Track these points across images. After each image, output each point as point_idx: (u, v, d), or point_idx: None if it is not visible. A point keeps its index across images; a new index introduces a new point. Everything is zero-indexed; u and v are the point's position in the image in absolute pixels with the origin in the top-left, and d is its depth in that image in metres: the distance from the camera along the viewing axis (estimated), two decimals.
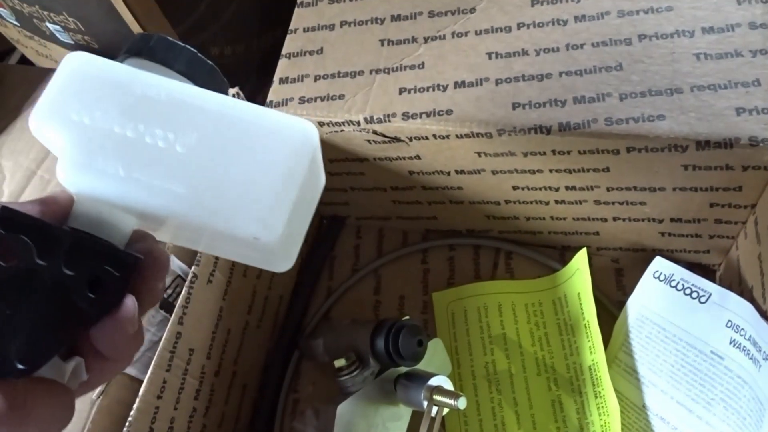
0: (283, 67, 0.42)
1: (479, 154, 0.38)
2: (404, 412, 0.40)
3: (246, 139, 0.24)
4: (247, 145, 0.24)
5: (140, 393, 0.33)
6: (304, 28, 0.42)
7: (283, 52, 0.42)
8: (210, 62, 0.26)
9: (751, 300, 0.34)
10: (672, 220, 0.40)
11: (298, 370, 0.47)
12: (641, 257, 0.44)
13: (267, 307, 0.45)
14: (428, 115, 0.37)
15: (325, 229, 0.51)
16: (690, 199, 0.37)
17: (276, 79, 0.41)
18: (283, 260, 0.26)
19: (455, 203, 0.45)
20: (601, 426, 0.38)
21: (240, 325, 0.42)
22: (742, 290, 0.37)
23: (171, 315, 0.39)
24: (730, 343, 0.34)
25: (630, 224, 0.41)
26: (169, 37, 0.26)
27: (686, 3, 0.36)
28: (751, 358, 0.32)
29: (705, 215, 0.38)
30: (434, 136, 0.38)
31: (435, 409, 0.37)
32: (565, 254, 0.46)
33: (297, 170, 0.24)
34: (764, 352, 0.31)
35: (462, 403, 0.35)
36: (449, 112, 0.37)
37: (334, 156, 0.43)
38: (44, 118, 0.23)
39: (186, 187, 0.23)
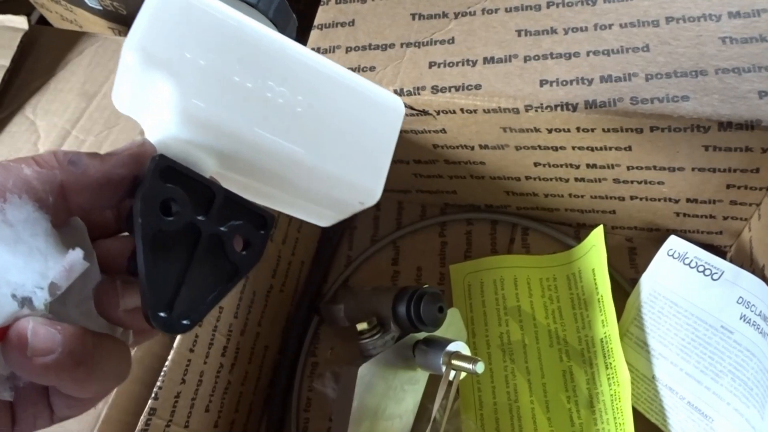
0: (315, 38, 0.42)
1: (504, 129, 0.40)
2: (421, 376, 0.41)
3: (353, 106, 0.24)
4: (354, 112, 0.24)
5: (174, 345, 0.34)
6: (336, 0, 0.43)
7: (315, 23, 0.43)
8: (293, 14, 0.26)
9: (763, 278, 0.35)
10: (688, 200, 0.41)
11: (317, 334, 0.48)
12: (655, 237, 0.45)
13: (290, 272, 0.47)
14: (457, 89, 0.38)
15: None
16: (707, 180, 0.38)
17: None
18: (334, 219, 0.26)
19: (476, 178, 0.46)
20: (611, 395, 0.40)
21: (265, 288, 0.43)
22: (754, 269, 0.38)
23: None
24: (741, 318, 0.35)
25: (647, 203, 0.43)
26: None
27: None
28: (760, 332, 0.34)
29: (721, 196, 0.40)
30: (462, 110, 0.39)
31: (453, 373, 0.38)
32: (580, 232, 0.47)
33: (393, 140, 0.25)
34: None
35: (480, 367, 0.37)
36: (478, 86, 0.38)
37: None
38: (153, 49, 0.20)
39: (302, 147, 0.22)
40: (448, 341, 0.39)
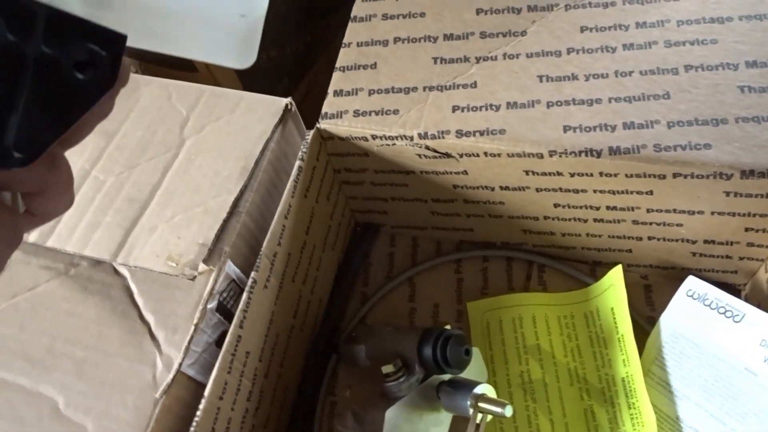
0: (337, 80, 0.43)
1: (527, 172, 0.40)
2: (445, 418, 0.41)
3: None
4: None
5: (206, 394, 0.34)
6: (357, 43, 0.44)
7: (337, 65, 0.43)
8: None
9: None
10: (705, 241, 0.42)
11: (335, 373, 0.48)
12: (670, 275, 0.46)
13: (309, 311, 0.47)
14: (482, 133, 0.39)
15: (360, 236, 0.52)
16: (726, 223, 0.39)
17: (330, 91, 0.42)
18: (246, 53, 0.23)
19: (494, 217, 0.46)
20: None
21: (287, 328, 0.43)
22: None
23: (225, 318, 0.40)
24: (765, 360, 0.36)
25: (664, 243, 0.43)
26: None
27: (730, 37, 0.38)
28: None
29: (738, 238, 0.40)
30: (485, 153, 0.39)
31: (479, 416, 0.38)
32: (596, 269, 0.48)
33: None
34: None
35: (509, 411, 0.37)
36: (502, 131, 0.39)
37: (381, 167, 0.44)
38: None
39: None
40: (474, 383, 0.39)
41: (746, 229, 0.39)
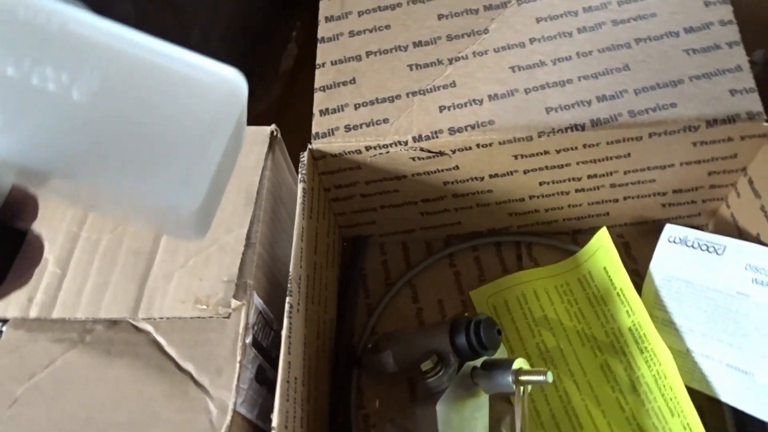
0: (320, 100, 0.44)
1: (516, 156, 0.43)
2: (484, 401, 0.43)
3: (162, 86, 0.20)
4: (162, 94, 0.20)
5: (274, 425, 0.33)
6: (331, 62, 0.45)
7: (317, 85, 0.44)
8: None
9: (760, 243, 0.41)
10: (674, 191, 0.47)
11: (359, 387, 0.48)
12: (643, 229, 0.51)
13: (327, 332, 0.47)
14: (472, 127, 0.41)
15: (353, 250, 0.53)
16: (693, 171, 0.44)
17: (316, 111, 0.43)
18: (197, 230, 0.22)
19: (482, 206, 0.49)
20: (653, 376, 0.44)
21: (315, 350, 0.43)
22: (746, 238, 0.44)
23: (259, 352, 0.39)
24: (753, 281, 0.41)
25: (638, 201, 0.48)
26: None
27: (666, 9, 0.44)
28: None
29: (703, 183, 0.46)
30: (478, 146, 0.42)
31: (522, 388, 0.41)
32: (577, 237, 0.52)
33: (223, 127, 0.20)
34: None
35: (550, 377, 0.39)
36: (491, 122, 0.41)
37: (373, 177, 0.46)
38: None
39: (83, 141, 0.19)
40: (509, 360, 0.41)
41: (709, 173, 0.45)
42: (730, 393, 0.41)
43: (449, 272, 0.52)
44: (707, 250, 0.43)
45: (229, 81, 0.20)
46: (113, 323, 0.38)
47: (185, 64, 0.20)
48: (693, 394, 0.42)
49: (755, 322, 0.41)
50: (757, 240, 0.43)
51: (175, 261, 0.39)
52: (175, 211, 0.20)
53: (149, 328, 0.38)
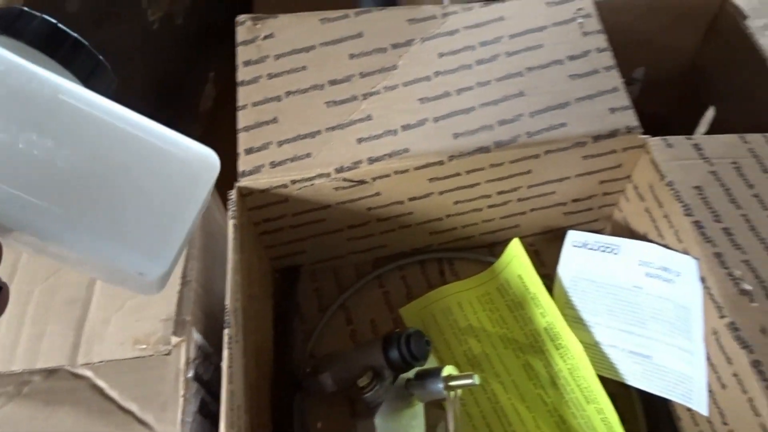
0: (244, 140, 0.46)
1: (431, 180, 0.47)
2: (419, 410, 0.46)
3: (140, 159, 0.21)
4: (140, 166, 0.21)
5: None
6: (252, 103, 0.47)
7: (239, 126, 0.46)
8: (100, 56, 0.23)
9: (648, 242, 0.47)
10: (573, 201, 0.52)
11: (302, 410, 0.50)
12: (550, 237, 0.56)
13: (265, 360, 0.48)
14: (389, 156, 0.45)
15: (285, 280, 0.55)
16: (587, 182, 0.50)
17: (241, 150, 0.46)
18: (158, 289, 0.24)
19: (404, 227, 0.52)
20: (569, 369, 0.48)
21: (256, 378, 0.45)
22: (637, 238, 0.50)
23: (201, 385, 0.41)
24: (646, 275, 0.46)
25: (543, 212, 0.53)
26: (51, 19, 0.22)
27: (551, 41, 0.49)
28: (665, 281, 0.45)
29: (596, 191, 0.51)
30: (395, 172, 0.46)
31: (452, 393, 0.44)
32: (494, 249, 0.56)
33: (194, 202, 0.21)
34: (675, 271, 0.44)
35: (477, 379, 0.43)
36: (406, 150, 0.45)
37: (300, 209, 0.48)
38: None
39: (62, 206, 0.20)
40: (438, 368, 0.44)
41: (601, 182, 0.50)
42: (635, 376, 0.46)
43: (379, 292, 0.55)
44: (605, 251, 0.49)
45: (202, 157, 0.22)
46: (51, 372, 0.39)
47: (163, 139, 0.21)
48: (605, 381, 0.47)
49: (650, 310, 0.46)
50: (645, 238, 0.48)
51: (111, 305, 0.40)
52: (141, 277, 0.21)
53: (89, 373, 0.38)
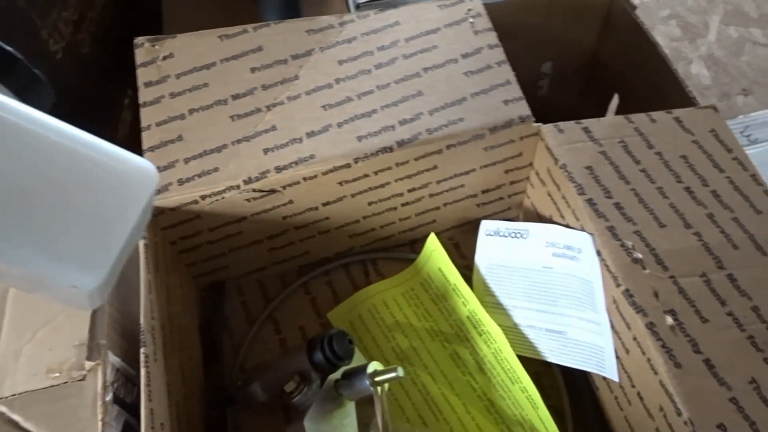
0: (150, 160, 0.46)
1: (341, 183, 0.48)
2: (350, 409, 0.47)
3: (76, 172, 0.21)
4: (76, 179, 0.21)
5: None
6: (156, 123, 0.48)
7: (144, 147, 0.47)
8: (35, 70, 0.24)
9: (553, 223, 0.49)
10: (483, 191, 0.54)
11: (237, 425, 0.50)
12: (467, 229, 0.58)
13: (193, 378, 0.48)
14: (296, 163, 0.46)
15: (210, 297, 0.55)
16: (492, 172, 0.52)
17: None
18: (93, 303, 0.24)
19: (323, 233, 0.53)
20: (493, 353, 0.50)
21: (182, 396, 0.45)
22: (543, 221, 0.52)
23: (123, 408, 0.41)
24: (553, 255, 0.48)
25: (456, 205, 0.55)
26: None
27: (444, 41, 0.51)
28: (570, 258, 0.47)
29: (503, 181, 0.53)
30: (304, 178, 0.46)
31: (379, 388, 0.45)
32: (414, 246, 0.58)
33: (131, 213, 0.21)
34: (576, 248, 0.46)
35: (401, 371, 0.44)
36: (312, 156, 0.46)
37: (214, 224, 0.48)
38: None
39: None
40: (364, 366, 0.45)
41: (506, 172, 0.52)
42: (553, 353, 0.48)
43: (306, 300, 0.56)
44: (515, 236, 0.51)
45: (140, 170, 0.22)
46: None
47: (101, 152, 0.21)
48: (528, 361, 0.49)
49: (560, 288, 0.48)
50: (551, 221, 0.51)
51: (22, 337, 0.40)
52: (74, 290, 0.21)
53: (2, 408, 0.38)
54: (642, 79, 0.67)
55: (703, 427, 0.35)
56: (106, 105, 0.72)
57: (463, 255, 0.58)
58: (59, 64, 0.61)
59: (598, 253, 0.43)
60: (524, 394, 0.48)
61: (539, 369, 0.51)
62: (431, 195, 0.53)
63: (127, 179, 0.22)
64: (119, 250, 0.22)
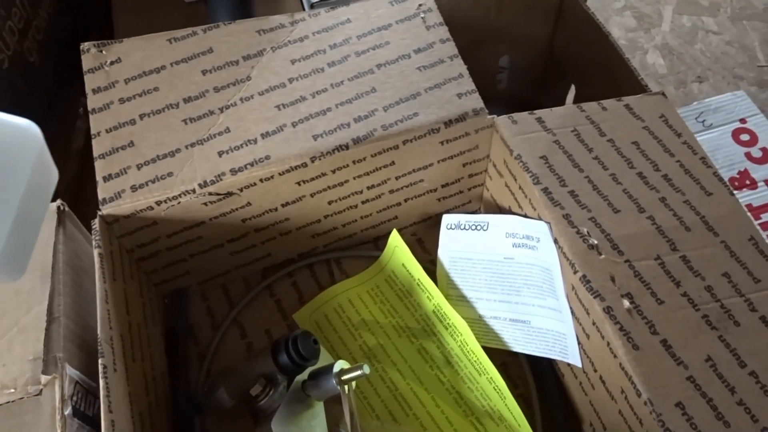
0: (101, 167, 0.45)
1: (299, 183, 0.48)
2: (319, 409, 0.46)
3: None
4: None
5: None
6: (106, 129, 0.47)
7: (95, 154, 0.46)
8: None
9: (512, 214, 0.50)
10: (443, 186, 0.54)
11: None
12: (430, 224, 0.58)
13: (158, 387, 0.47)
14: (252, 164, 0.45)
15: (172, 304, 0.54)
16: (450, 166, 0.52)
17: (99, 178, 0.45)
18: (9, 272, 0.23)
19: (284, 234, 0.53)
20: (459, 346, 0.50)
21: (146, 406, 0.44)
22: (503, 212, 0.53)
23: (83, 421, 0.40)
24: (513, 246, 0.49)
25: (416, 201, 0.55)
26: None
27: (396, 37, 0.51)
28: (530, 248, 0.47)
29: (462, 174, 0.54)
30: (261, 180, 0.46)
31: (346, 387, 0.45)
32: (378, 243, 0.58)
33: (18, 173, 0.21)
34: (536, 238, 0.47)
35: (366, 368, 0.44)
36: (267, 157, 0.46)
37: (172, 230, 0.48)
38: None
39: None
40: (330, 365, 0.45)
41: (464, 165, 0.53)
42: (518, 342, 0.48)
43: (271, 302, 0.55)
44: (476, 228, 0.51)
45: (20, 129, 0.21)
46: None
47: None
48: (495, 351, 0.49)
49: (523, 278, 0.48)
50: (510, 212, 0.51)
51: None
52: None
53: None
54: (597, 69, 0.68)
55: (662, 407, 0.36)
56: (59, 115, 0.71)
57: (426, 250, 0.58)
58: (5, 74, 0.60)
59: (555, 240, 0.44)
60: (491, 385, 0.48)
61: (506, 359, 0.51)
62: (391, 191, 0.53)
63: (6, 139, 0.20)
64: (14, 213, 0.21)
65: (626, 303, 0.39)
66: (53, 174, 0.24)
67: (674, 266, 0.41)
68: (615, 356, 0.39)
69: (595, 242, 0.42)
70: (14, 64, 0.61)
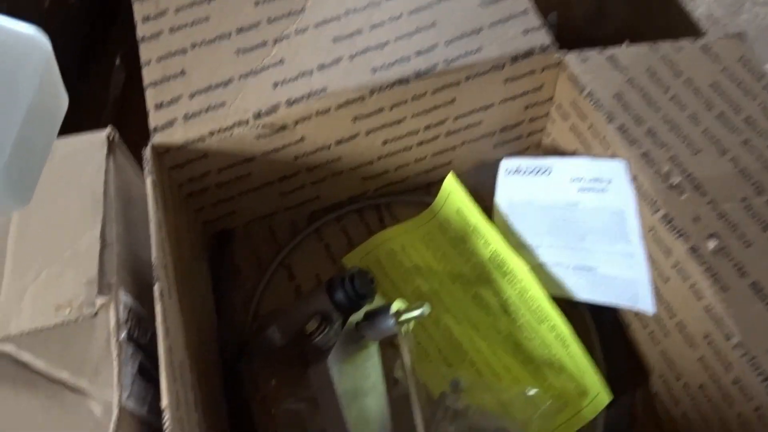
0: (152, 95, 0.44)
1: (354, 119, 0.46)
2: (373, 350, 0.45)
3: None
4: None
5: (164, 406, 0.33)
6: (156, 58, 0.45)
7: (146, 83, 0.44)
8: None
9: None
10: (502, 130, 0.52)
11: (252, 373, 0.48)
12: (483, 172, 0.55)
13: (207, 326, 0.46)
14: (307, 96, 0.44)
15: (219, 244, 0.53)
16: (511, 107, 0.50)
17: (150, 107, 0.43)
18: (12, 196, 0.21)
19: (335, 175, 0.51)
20: (517, 293, 0.48)
21: (197, 341, 0.43)
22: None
23: (137, 347, 0.39)
24: (579, 190, 0.46)
25: (473, 145, 0.52)
26: None
27: None
28: (598, 191, 0.45)
29: (523, 117, 0.51)
30: (317, 113, 0.44)
31: (403, 328, 0.43)
32: (430, 189, 0.55)
33: (23, 86, 0.19)
34: (606, 179, 0.44)
35: (427, 308, 0.42)
36: (324, 89, 0.44)
37: (223, 164, 0.46)
38: None
39: None
40: (387, 305, 0.43)
41: (526, 107, 0.50)
42: (582, 290, 0.46)
43: (320, 246, 0.54)
44: (538, 173, 0.48)
45: (26, 38, 0.19)
46: None
47: None
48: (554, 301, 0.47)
49: (588, 224, 0.46)
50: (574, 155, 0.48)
51: (26, 277, 0.38)
52: None
53: (9, 348, 0.36)
54: (651, 23, 0.65)
55: (755, 350, 0.33)
56: (95, 62, 0.70)
57: (480, 197, 0.55)
58: (47, 13, 0.58)
59: (634, 179, 0.41)
60: (552, 333, 0.46)
61: (565, 311, 0.49)
62: (448, 133, 0.50)
63: (11, 48, 0.19)
64: (17, 127, 0.19)
65: (712, 244, 0.37)
66: (63, 98, 0.22)
67: (761, 209, 0.38)
68: (700, 298, 0.36)
69: (678, 181, 0.39)
70: (55, 3, 0.59)
